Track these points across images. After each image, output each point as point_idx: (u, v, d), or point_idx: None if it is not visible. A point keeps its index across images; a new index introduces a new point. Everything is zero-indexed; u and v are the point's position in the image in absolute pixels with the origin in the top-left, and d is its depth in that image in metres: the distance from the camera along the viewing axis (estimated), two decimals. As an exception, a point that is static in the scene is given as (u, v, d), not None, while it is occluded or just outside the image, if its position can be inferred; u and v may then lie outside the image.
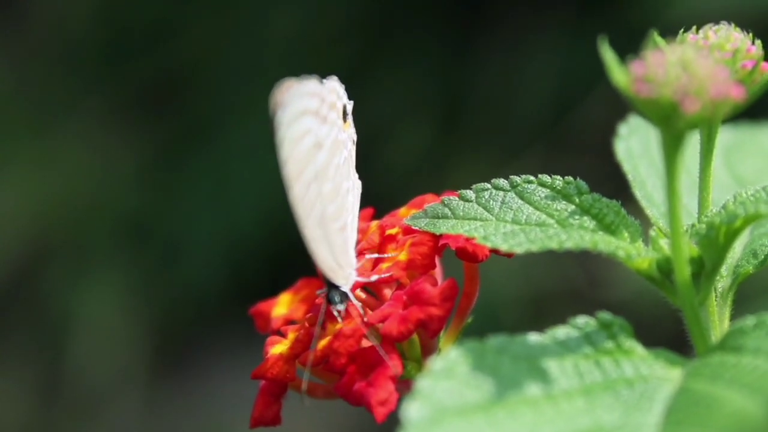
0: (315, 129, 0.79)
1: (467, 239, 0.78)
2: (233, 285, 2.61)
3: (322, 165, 0.79)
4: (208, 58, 2.77)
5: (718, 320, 0.76)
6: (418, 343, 0.80)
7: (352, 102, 0.84)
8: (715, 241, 0.73)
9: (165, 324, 2.62)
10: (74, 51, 2.80)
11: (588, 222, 0.75)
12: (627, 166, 0.85)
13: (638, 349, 0.72)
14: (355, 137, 0.84)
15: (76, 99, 2.79)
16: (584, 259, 2.22)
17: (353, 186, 0.83)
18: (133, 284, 2.63)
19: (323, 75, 0.82)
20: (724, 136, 0.95)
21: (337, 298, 0.80)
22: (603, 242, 0.73)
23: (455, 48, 2.63)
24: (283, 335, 0.80)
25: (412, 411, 0.65)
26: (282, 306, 0.84)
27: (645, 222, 0.79)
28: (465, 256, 0.79)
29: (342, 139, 0.82)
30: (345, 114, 0.82)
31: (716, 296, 0.78)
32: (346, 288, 0.80)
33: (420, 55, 2.67)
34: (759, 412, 0.62)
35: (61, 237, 2.69)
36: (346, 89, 0.84)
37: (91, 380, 2.54)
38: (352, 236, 0.82)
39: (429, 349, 0.81)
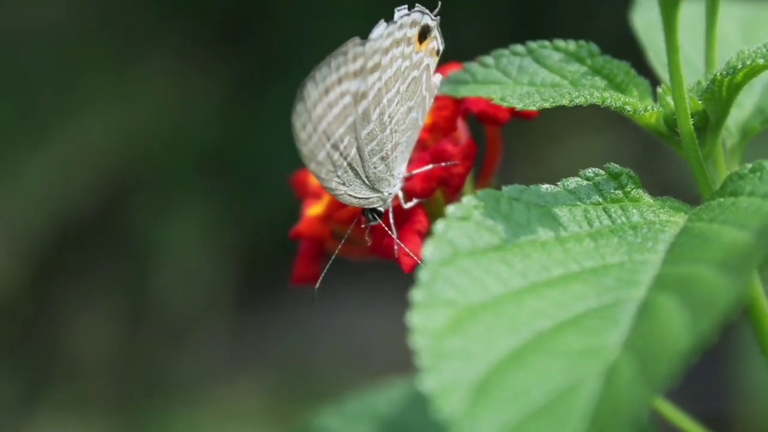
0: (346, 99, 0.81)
1: (488, 103, 0.82)
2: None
3: (359, 117, 0.81)
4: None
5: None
6: (443, 201, 0.85)
7: (437, 19, 0.83)
8: (717, 95, 0.77)
9: (249, 253, 2.67)
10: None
11: (599, 81, 0.80)
12: (643, 35, 0.88)
13: (645, 197, 0.76)
14: (440, 47, 0.84)
15: (157, 32, 2.85)
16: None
17: (425, 99, 0.84)
18: (217, 215, 2.69)
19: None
20: (744, 10, 0.98)
21: (370, 216, 0.83)
22: (612, 98, 0.77)
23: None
24: (319, 197, 0.86)
25: (428, 251, 0.70)
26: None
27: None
28: (486, 118, 0.83)
29: (411, 62, 0.83)
30: (422, 35, 0.83)
31: (725, 153, 0.82)
32: (382, 208, 0.83)
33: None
34: (748, 239, 0.67)
35: (144, 169, 2.75)
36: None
37: (177, 308, 2.61)
38: (406, 152, 0.83)
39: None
